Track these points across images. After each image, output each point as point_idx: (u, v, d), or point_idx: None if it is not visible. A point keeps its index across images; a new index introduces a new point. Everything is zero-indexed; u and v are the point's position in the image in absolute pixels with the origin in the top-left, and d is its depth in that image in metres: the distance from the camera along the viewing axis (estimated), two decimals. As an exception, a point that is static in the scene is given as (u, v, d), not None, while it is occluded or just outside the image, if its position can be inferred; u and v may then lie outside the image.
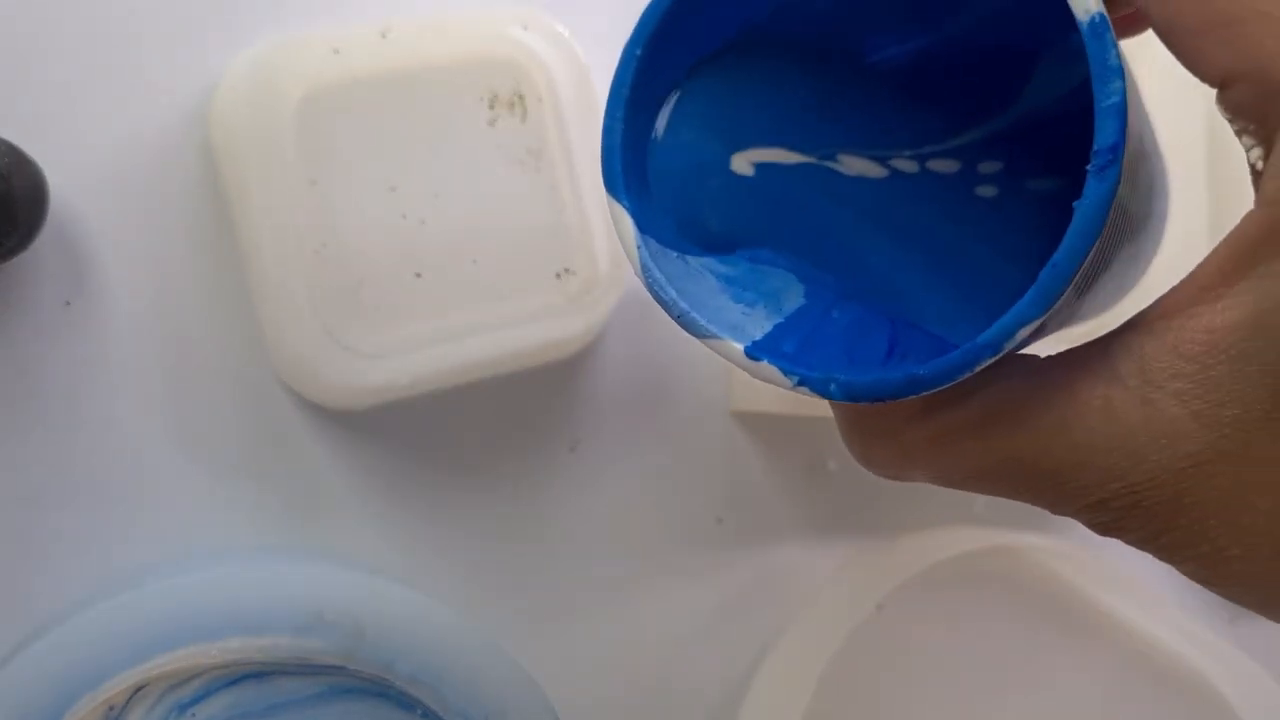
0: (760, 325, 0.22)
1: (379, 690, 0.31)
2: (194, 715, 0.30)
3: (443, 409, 0.35)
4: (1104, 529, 0.21)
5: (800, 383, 0.20)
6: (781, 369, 0.20)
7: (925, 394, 0.20)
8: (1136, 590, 0.42)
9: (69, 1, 0.32)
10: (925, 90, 0.25)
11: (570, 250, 0.33)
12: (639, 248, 0.22)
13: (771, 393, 0.39)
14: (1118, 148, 0.18)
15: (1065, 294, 0.19)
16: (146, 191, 0.32)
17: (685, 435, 0.39)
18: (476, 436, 0.36)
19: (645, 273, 0.22)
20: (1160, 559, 0.21)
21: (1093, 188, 0.18)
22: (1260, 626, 0.46)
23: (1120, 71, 0.18)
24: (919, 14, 0.24)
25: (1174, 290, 0.20)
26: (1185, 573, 0.21)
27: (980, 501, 0.42)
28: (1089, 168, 0.18)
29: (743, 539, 0.40)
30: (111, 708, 0.29)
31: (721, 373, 0.40)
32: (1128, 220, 0.21)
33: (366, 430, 0.35)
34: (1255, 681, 0.42)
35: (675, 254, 0.23)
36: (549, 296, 0.33)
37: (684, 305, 0.21)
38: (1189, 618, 0.43)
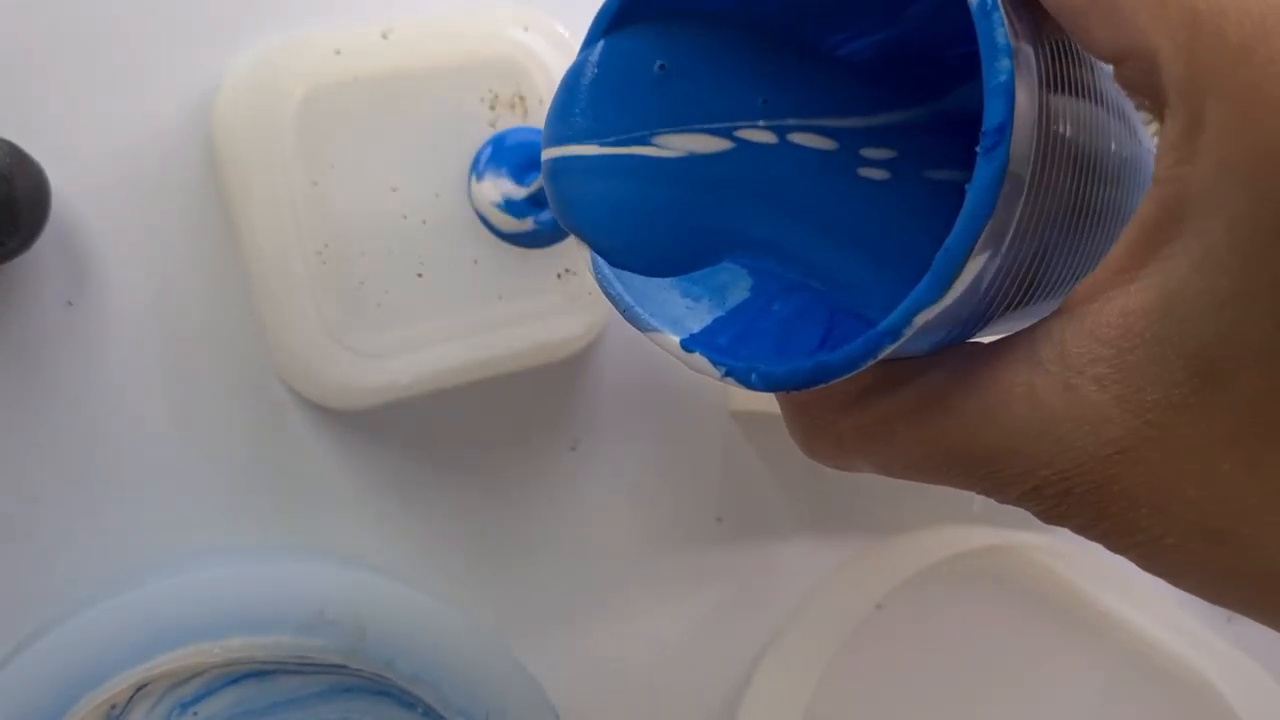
0: (701, 319, 0.23)
1: (380, 689, 0.31)
2: (196, 714, 0.30)
3: (443, 409, 0.35)
4: (1046, 517, 0.21)
5: (727, 373, 0.21)
6: (711, 359, 0.21)
7: (857, 381, 0.21)
8: (1134, 589, 0.42)
9: (70, 2, 0.32)
10: (873, 78, 0.25)
11: (571, 250, 0.33)
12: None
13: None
14: (1004, 128, 0.18)
15: (973, 278, 0.18)
16: (148, 192, 0.32)
17: (685, 435, 0.39)
18: (477, 436, 0.36)
19: (594, 268, 0.22)
20: (1105, 547, 0.21)
21: (981, 169, 0.18)
22: (1259, 626, 0.45)
23: (1008, 51, 0.18)
24: (871, 7, 0.24)
25: (1092, 274, 0.20)
26: (1132, 561, 0.21)
27: (978, 501, 0.42)
28: (977, 149, 0.18)
29: (742, 538, 0.40)
30: (113, 706, 0.29)
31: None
32: (1085, 208, 0.21)
33: (368, 430, 0.35)
34: (1252, 679, 0.42)
35: None
36: (549, 296, 0.33)
37: (629, 300, 0.22)
38: (1187, 616, 0.43)
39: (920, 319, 0.19)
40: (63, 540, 0.32)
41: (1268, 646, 0.44)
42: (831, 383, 0.20)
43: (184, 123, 0.33)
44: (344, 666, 0.31)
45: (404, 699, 0.31)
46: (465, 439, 0.36)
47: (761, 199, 0.25)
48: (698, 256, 0.25)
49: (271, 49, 0.32)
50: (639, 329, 0.22)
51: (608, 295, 0.22)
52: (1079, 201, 0.21)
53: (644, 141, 0.24)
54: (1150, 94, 0.19)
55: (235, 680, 0.30)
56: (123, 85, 0.32)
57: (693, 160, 0.24)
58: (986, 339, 0.21)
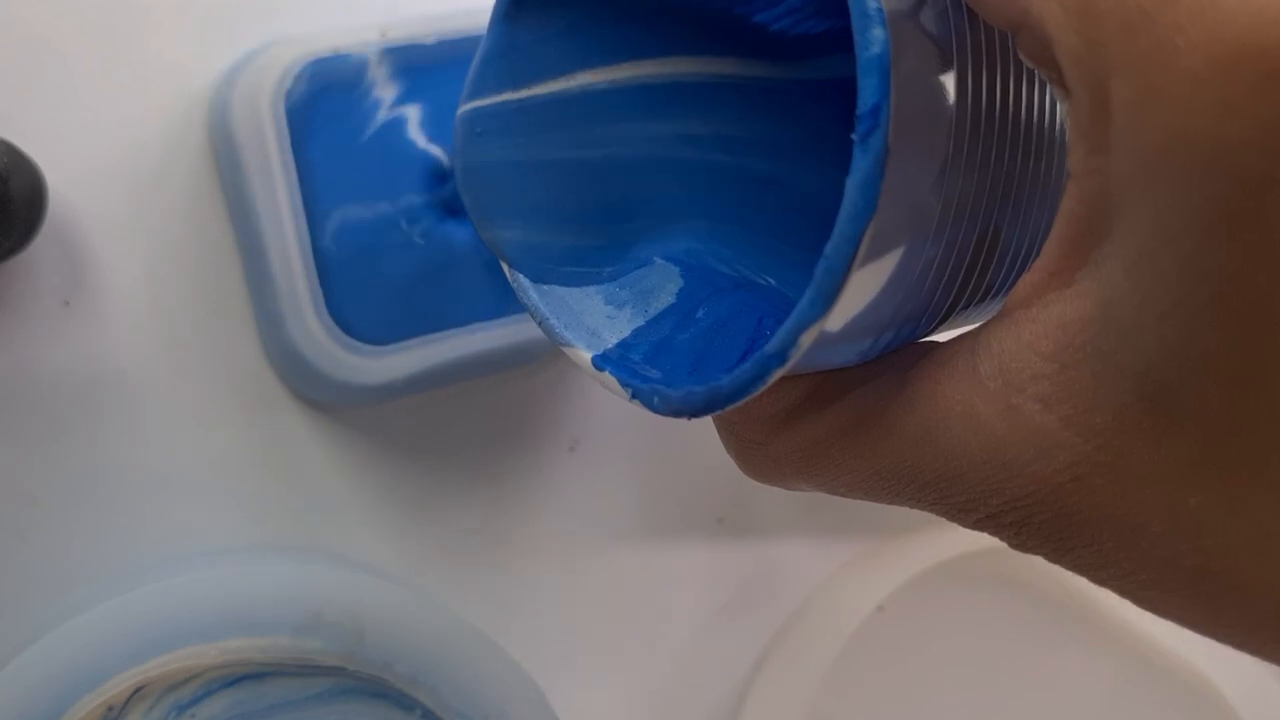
0: (619, 330, 0.21)
1: (378, 691, 0.31)
2: (194, 716, 0.30)
3: (443, 408, 0.35)
4: (1013, 545, 0.19)
5: (633, 395, 0.19)
6: (620, 380, 0.19)
7: (781, 399, 0.19)
8: (1138, 591, 0.42)
9: (67, 0, 0.32)
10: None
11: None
12: (507, 251, 0.21)
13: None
14: (879, 110, 0.15)
15: (885, 282, 0.16)
16: (146, 191, 0.32)
17: (685, 434, 0.39)
18: (475, 436, 0.36)
19: (511, 276, 0.20)
20: (1085, 578, 0.19)
21: (857, 162, 0.15)
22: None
23: (882, 19, 0.15)
24: None
25: (1028, 273, 0.18)
26: (1115, 593, 0.19)
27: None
28: (853, 136, 0.15)
29: (744, 539, 0.40)
30: (110, 708, 0.29)
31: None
32: (1037, 185, 0.19)
33: (366, 430, 0.35)
34: (1255, 682, 0.42)
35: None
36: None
37: (544, 310, 0.20)
38: (1190, 618, 0.43)
39: (807, 338, 0.16)
40: (59, 541, 0.32)
41: (1271, 648, 0.44)
42: (736, 406, 0.18)
43: (181, 122, 0.33)
44: (342, 669, 0.31)
45: (403, 701, 0.31)
46: (464, 439, 0.36)
47: (681, 150, 0.23)
48: (617, 239, 0.22)
49: (269, 47, 0.32)
50: (554, 342, 0.20)
51: (524, 306, 0.20)
52: (1029, 178, 0.18)
53: (543, 81, 0.22)
54: (1052, 68, 0.17)
55: (233, 682, 0.30)
56: (120, 84, 0.32)
57: (591, 97, 0.22)
58: (947, 335, 0.19)
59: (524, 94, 0.22)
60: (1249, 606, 0.17)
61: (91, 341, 0.32)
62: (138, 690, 0.30)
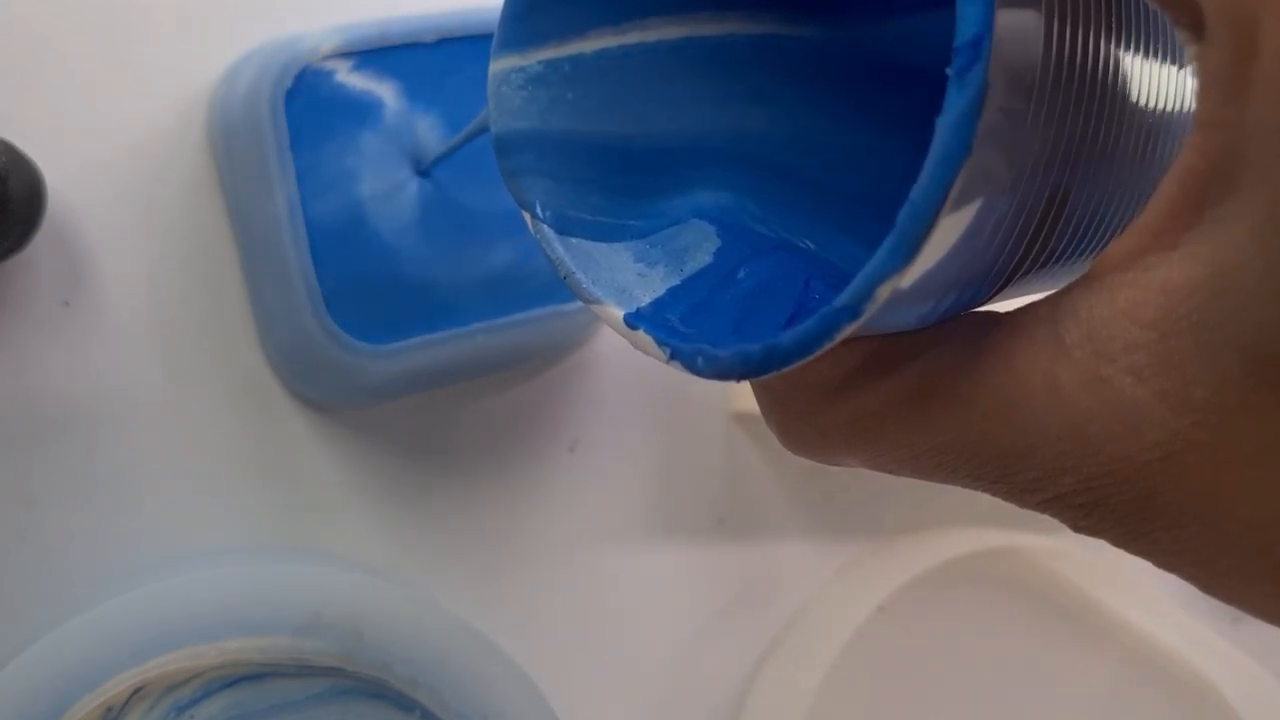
0: (653, 289, 0.19)
1: (377, 691, 0.31)
2: (193, 716, 0.30)
3: (442, 408, 0.35)
4: (1076, 527, 0.18)
5: (672, 355, 0.17)
6: (656, 339, 0.18)
7: (838, 364, 0.18)
8: (1139, 591, 0.42)
9: (67, 1, 0.32)
10: None
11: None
12: (532, 199, 0.19)
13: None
14: (980, 42, 0.14)
15: (960, 236, 0.15)
16: (145, 190, 0.32)
17: (685, 435, 0.39)
18: (476, 436, 0.36)
19: (534, 225, 0.19)
20: (1152, 564, 0.18)
21: (953, 99, 0.14)
22: (1263, 627, 0.45)
23: None
24: None
25: (1134, 228, 0.16)
26: (1186, 580, 0.18)
27: (983, 501, 0.42)
28: (948, 70, 0.14)
29: (744, 540, 0.40)
30: (110, 709, 0.29)
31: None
32: (1116, 144, 0.18)
33: (366, 430, 0.35)
34: (1257, 682, 0.42)
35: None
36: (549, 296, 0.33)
37: (570, 264, 0.19)
38: (1191, 619, 0.43)
39: (884, 291, 0.15)
40: (59, 541, 0.32)
41: (1272, 649, 0.44)
42: (795, 367, 0.16)
43: (181, 121, 0.33)
44: (341, 669, 0.31)
45: (402, 702, 0.31)
46: (464, 439, 0.36)
47: (721, 109, 0.22)
48: (646, 189, 0.21)
49: (269, 47, 0.32)
50: (581, 299, 0.19)
51: (548, 258, 0.19)
52: (1101, 140, 0.17)
53: (579, 36, 0.21)
54: (1185, 10, 0.15)
55: (232, 683, 0.30)
56: (119, 84, 0.32)
57: (624, 54, 0.21)
58: (1007, 304, 0.18)
59: (554, 52, 0.21)
60: None
61: (91, 341, 0.32)
62: (137, 691, 0.29)
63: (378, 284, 0.31)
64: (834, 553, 0.41)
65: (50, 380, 0.32)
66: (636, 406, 0.38)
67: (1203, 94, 0.15)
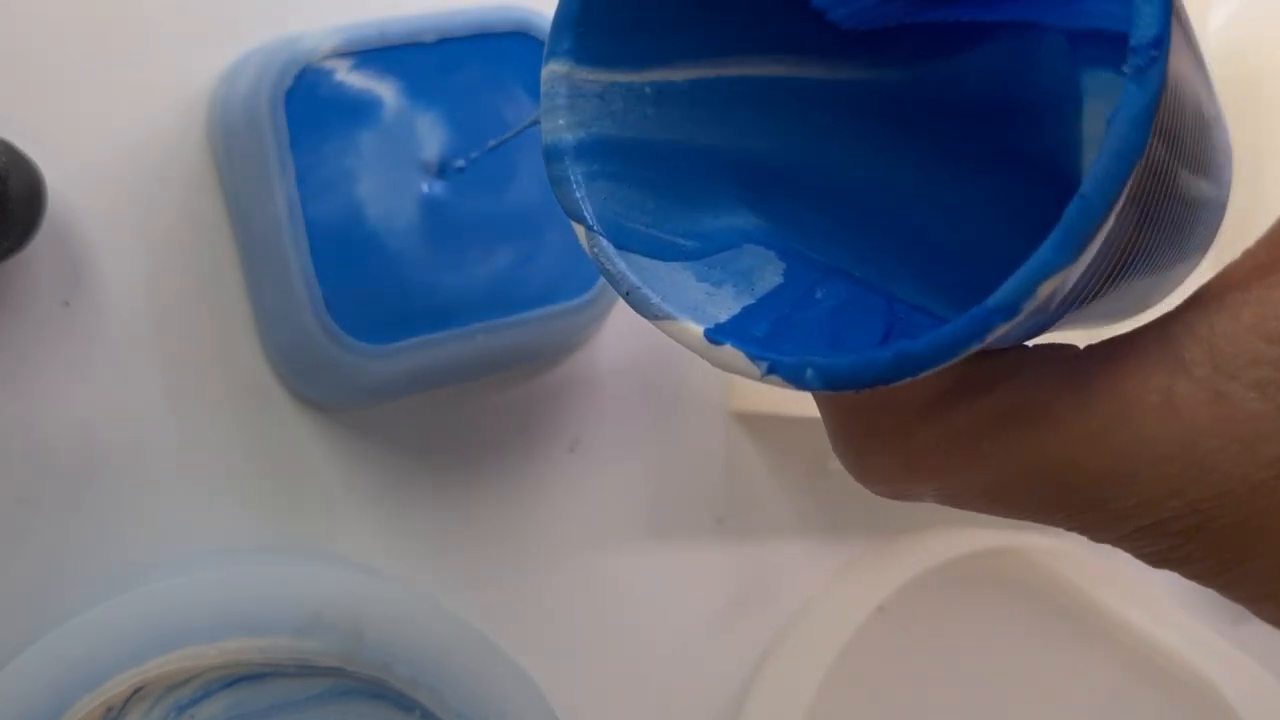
0: (726, 307, 0.19)
1: (377, 692, 0.31)
2: (193, 716, 0.30)
3: (442, 408, 0.35)
4: (1156, 560, 0.17)
5: (771, 370, 0.17)
6: (748, 354, 0.17)
7: (933, 384, 0.17)
8: (1139, 592, 0.42)
9: (67, 1, 0.32)
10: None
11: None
12: (585, 211, 0.19)
13: (772, 393, 0.39)
14: (1161, 42, 0.14)
15: (1099, 243, 0.15)
16: (145, 190, 0.32)
17: (685, 435, 0.39)
18: (476, 436, 0.36)
19: (590, 238, 0.19)
20: (1228, 598, 0.17)
21: (1131, 96, 0.14)
22: (1264, 628, 0.45)
23: None
24: None
25: (1251, 253, 0.16)
26: (1265, 618, 0.18)
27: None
28: (1124, 69, 0.14)
29: (744, 540, 0.40)
30: (110, 709, 0.29)
31: (721, 373, 0.39)
32: (1177, 194, 0.18)
33: (366, 430, 0.35)
34: (1258, 683, 0.42)
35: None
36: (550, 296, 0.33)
37: (633, 279, 0.18)
38: (1192, 619, 0.43)
39: (1046, 289, 0.15)
40: (59, 542, 0.32)
41: (1273, 650, 0.44)
42: (906, 382, 0.16)
43: (181, 121, 0.33)
44: (341, 669, 0.31)
45: (402, 702, 0.31)
46: (464, 439, 0.36)
47: (762, 138, 0.22)
48: (704, 207, 0.21)
49: (269, 47, 0.32)
50: (646, 316, 0.18)
51: (607, 273, 0.18)
52: (1173, 178, 0.18)
53: (617, 69, 0.20)
54: None
55: (232, 683, 0.30)
56: (119, 84, 0.32)
57: (661, 89, 0.21)
58: (1060, 337, 0.17)
59: (600, 77, 0.20)
60: None
61: (91, 341, 0.32)
62: (137, 691, 0.30)
63: (378, 284, 0.31)
64: (834, 552, 0.41)
65: (50, 380, 0.32)
66: (636, 406, 0.38)
67: None
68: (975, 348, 0.15)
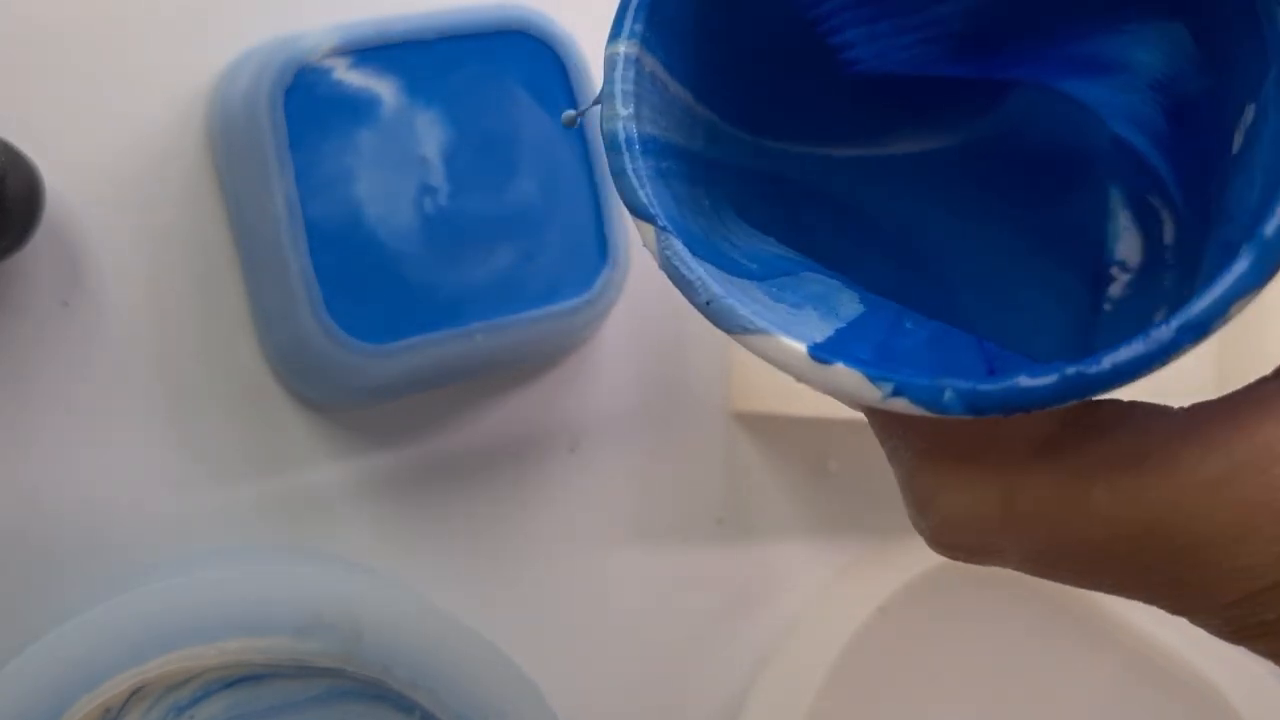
0: (817, 328, 0.18)
1: (377, 693, 0.31)
2: (192, 717, 0.30)
3: (442, 408, 0.35)
4: (1246, 633, 0.16)
5: (898, 392, 0.15)
6: (869, 376, 0.16)
7: (1040, 419, 0.16)
8: (1140, 592, 0.42)
9: (65, 1, 0.32)
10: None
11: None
12: (653, 208, 0.17)
13: (771, 393, 0.39)
14: None
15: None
16: (144, 190, 0.32)
17: (685, 435, 0.39)
18: (476, 436, 0.36)
19: (661, 242, 0.17)
20: None
21: None
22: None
23: None
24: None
25: None
26: None
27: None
28: None
29: (743, 540, 0.40)
30: (109, 710, 0.29)
31: (721, 373, 0.39)
32: None
33: (365, 430, 0.35)
34: (1259, 685, 0.42)
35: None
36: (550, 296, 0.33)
37: (715, 288, 0.17)
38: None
39: (1237, 308, 0.14)
40: (59, 542, 0.32)
41: (1274, 649, 0.44)
42: (1025, 415, 0.15)
43: (180, 120, 0.33)
44: (341, 670, 0.31)
45: (401, 703, 0.31)
46: (465, 439, 0.36)
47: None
48: (759, 230, 0.20)
49: (268, 46, 0.32)
50: (731, 329, 0.17)
51: (681, 278, 0.17)
52: None
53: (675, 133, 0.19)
54: None
55: (231, 684, 0.30)
56: (119, 83, 0.32)
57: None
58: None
59: (663, 75, 0.19)
60: None
61: (90, 341, 0.32)
62: (136, 691, 0.30)
63: (377, 283, 0.31)
64: (834, 554, 0.41)
65: (49, 380, 0.32)
66: (636, 407, 0.38)
67: None
68: (1156, 368, 0.14)
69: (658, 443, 0.38)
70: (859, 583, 0.40)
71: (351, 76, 0.31)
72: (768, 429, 0.40)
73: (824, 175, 0.22)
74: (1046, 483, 0.16)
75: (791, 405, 0.38)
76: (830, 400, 0.18)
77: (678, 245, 0.17)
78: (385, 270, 0.31)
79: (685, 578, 0.39)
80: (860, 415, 0.19)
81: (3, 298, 0.31)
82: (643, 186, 0.18)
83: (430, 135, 0.32)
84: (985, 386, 0.15)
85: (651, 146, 0.18)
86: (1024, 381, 0.15)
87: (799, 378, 0.16)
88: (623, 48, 0.18)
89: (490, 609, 0.36)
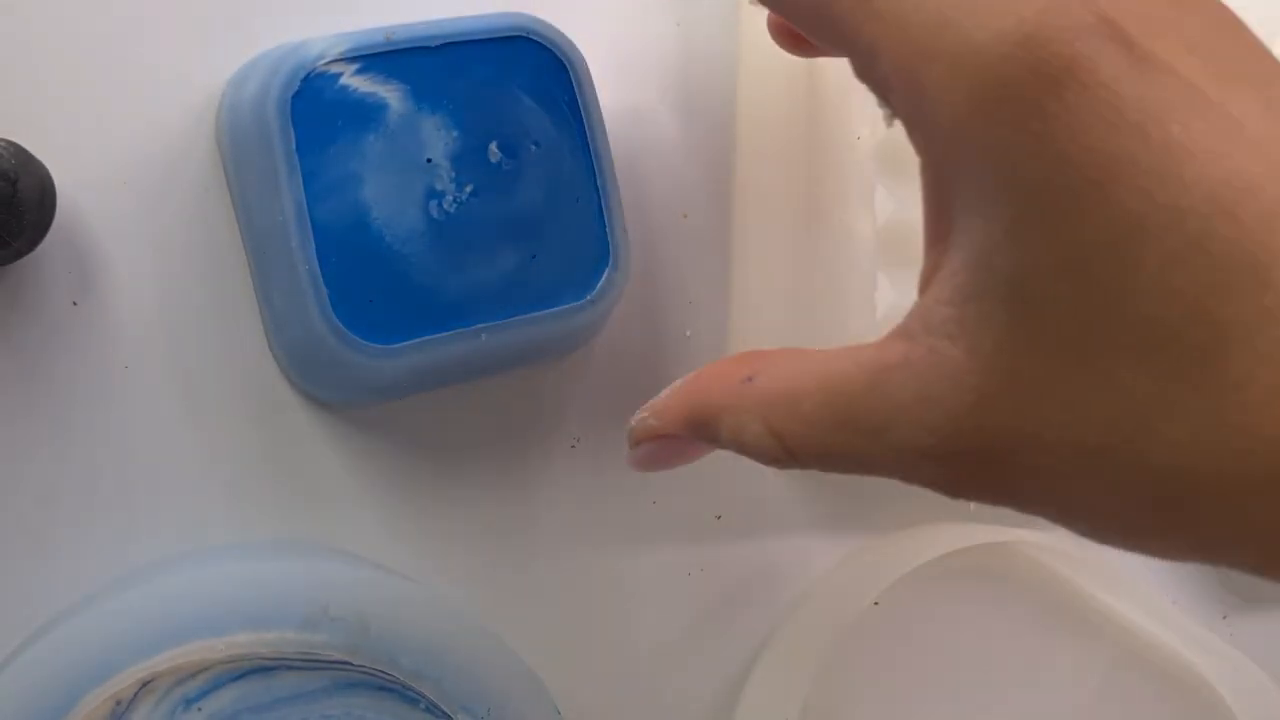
0: None
1: (383, 684, 0.31)
2: (200, 709, 0.30)
3: (447, 407, 0.36)
4: (950, 487, 0.23)
5: None
6: None
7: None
8: (1131, 587, 0.43)
9: (76, 2, 0.32)
10: None
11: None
12: None
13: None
14: None
15: None
16: (154, 192, 0.33)
17: (685, 433, 0.39)
18: (479, 434, 0.36)
19: None
20: (1018, 510, 0.22)
21: None
22: (1255, 623, 0.46)
23: None
24: None
25: (927, 248, 0.23)
26: (1048, 517, 0.22)
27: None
28: None
29: (741, 536, 0.40)
30: (119, 702, 0.29)
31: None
32: None
33: (372, 428, 0.35)
34: (1249, 677, 0.42)
35: None
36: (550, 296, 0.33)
37: None
38: (1183, 614, 0.43)
39: None
40: (68, 538, 0.32)
41: (1265, 644, 0.44)
42: None
43: (190, 123, 0.33)
44: (347, 662, 0.31)
45: (407, 695, 0.31)
46: (466, 437, 0.36)
47: None
48: None
49: (277, 50, 0.32)
50: None
51: None
52: None
53: None
54: (880, 86, 0.23)
55: (239, 676, 0.31)
56: (129, 85, 0.32)
57: None
58: None
59: None
60: (1149, 474, 0.20)
61: (100, 342, 0.32)
62: (145, 684, 0.30)
63: (384, 285, 0.31)
64: (830, 548, 0.41)
65: (59, 380, 0.32)
66: (636, 405, 0.38)
67: (912, 133, 0.23)
68: None
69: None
70: (854, 576, 0.40)
71: (358, 82, 0.31)
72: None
73: None
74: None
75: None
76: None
77: None
78: (392, 272, 0.31)
79: (684, 572, 0.39)
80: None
81: (15, 299, 0.31)
82: None
83: (436, 140, 0.32)
84: None
85: None
86: None
87: None
88: None
89: (493, 602, 0.36)
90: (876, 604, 0.39)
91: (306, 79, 0.31)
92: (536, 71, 0.33)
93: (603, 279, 0.34)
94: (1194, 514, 0.20)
